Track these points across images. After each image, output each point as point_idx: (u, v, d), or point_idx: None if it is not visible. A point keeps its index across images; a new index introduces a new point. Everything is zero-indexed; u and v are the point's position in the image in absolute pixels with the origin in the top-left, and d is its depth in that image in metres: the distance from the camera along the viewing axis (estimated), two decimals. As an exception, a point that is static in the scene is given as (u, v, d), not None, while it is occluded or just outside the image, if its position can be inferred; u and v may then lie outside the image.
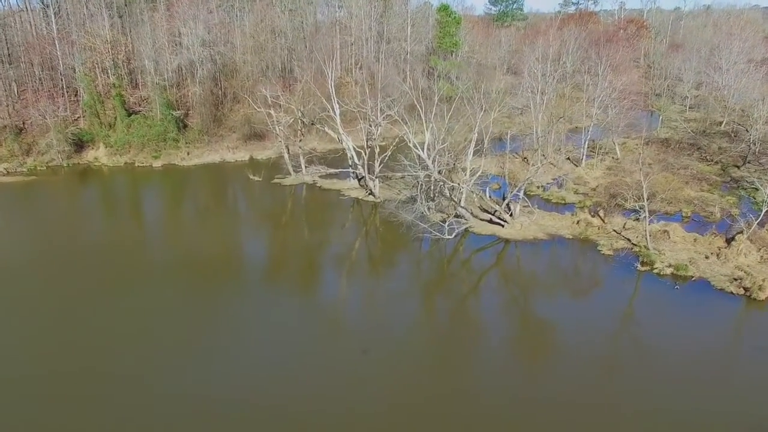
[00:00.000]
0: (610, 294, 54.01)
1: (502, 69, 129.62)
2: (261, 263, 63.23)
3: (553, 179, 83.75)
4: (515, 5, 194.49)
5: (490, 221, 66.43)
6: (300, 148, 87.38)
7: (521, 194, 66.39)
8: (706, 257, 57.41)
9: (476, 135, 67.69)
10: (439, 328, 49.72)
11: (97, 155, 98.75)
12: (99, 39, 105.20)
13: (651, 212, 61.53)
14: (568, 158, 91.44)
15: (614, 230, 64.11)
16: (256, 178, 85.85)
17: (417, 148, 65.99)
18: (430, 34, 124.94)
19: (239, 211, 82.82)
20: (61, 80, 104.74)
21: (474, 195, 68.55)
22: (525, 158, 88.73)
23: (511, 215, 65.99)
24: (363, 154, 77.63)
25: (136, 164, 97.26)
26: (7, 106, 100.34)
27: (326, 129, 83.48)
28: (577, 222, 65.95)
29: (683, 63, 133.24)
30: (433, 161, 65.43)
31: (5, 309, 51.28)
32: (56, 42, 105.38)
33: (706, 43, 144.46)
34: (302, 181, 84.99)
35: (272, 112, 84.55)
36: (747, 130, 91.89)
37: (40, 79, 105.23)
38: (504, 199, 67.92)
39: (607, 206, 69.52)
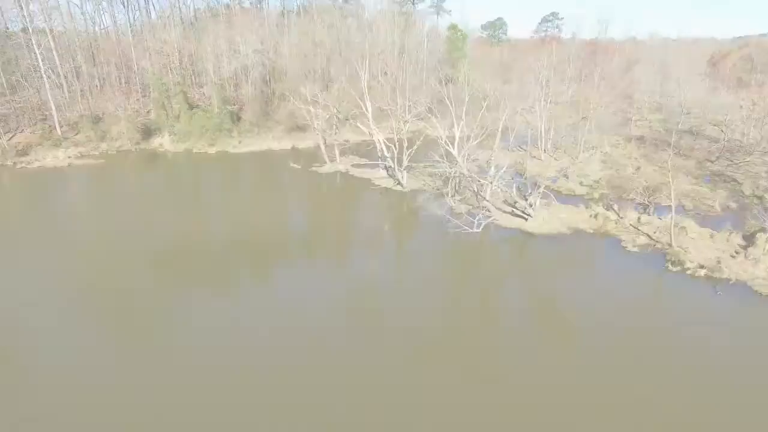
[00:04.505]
0: (653, 301, 36.93)
1: (500, 79, 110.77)
2: (303, 237, 48.13)
3: (558, 171, 67.03)
4: (500, 30, 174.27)
5: (512, 213, 50.06)
6: (335, 140, 70.69)
7: (542, 189, 49.67)
8: (732, 256, 41.23)
9: (500, 131, 50.94)
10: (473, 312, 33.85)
11: (162, 142, 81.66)
12: (168, 45, 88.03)
13: (655, 205, 45.67)
14: (564, 152, 74.45)
15: (631, 224, 47.72)
16: (297, 166, 69.29)
17: (449, 146, 49.26)
18: (441, 47, 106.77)
19: (283, 192, 65.42)
20: (135, 79, 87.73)
21: (498, 190, 51.60)
22: (533, 156, 70.81)
23: (531, 206, 49.48)
24: (393, 147, 60.74)
25: (194, 150, 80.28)
26: (89, 99, 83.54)
27: (358, 124, 66.78)
28: (595, 215, 49.34)
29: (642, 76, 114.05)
30: (464, 158, 48.77)
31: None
32: (132, 47, 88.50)
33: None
34: (336, 170, 68.14)
35: (311, 108, 67.90)
36: (722, 131, 74.60)
37: (117, 78, 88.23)
38: (519, 190, 51.31)
39: (618, 199, 53.02)
